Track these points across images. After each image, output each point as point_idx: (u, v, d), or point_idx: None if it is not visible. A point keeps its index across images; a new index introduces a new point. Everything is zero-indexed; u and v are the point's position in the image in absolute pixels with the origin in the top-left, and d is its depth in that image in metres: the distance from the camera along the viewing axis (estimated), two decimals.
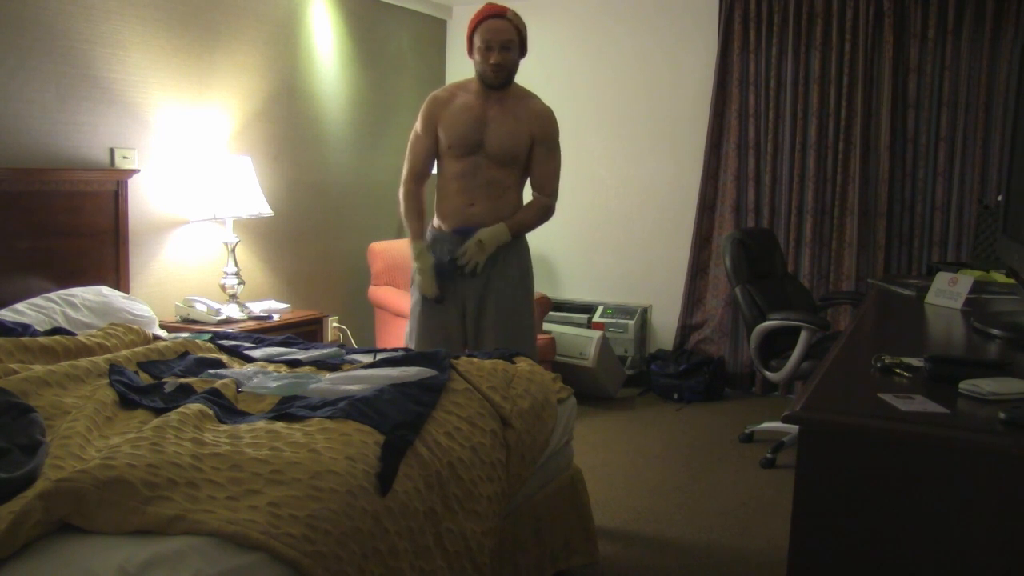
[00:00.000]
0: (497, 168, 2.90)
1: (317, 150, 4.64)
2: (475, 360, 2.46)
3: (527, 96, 2.97)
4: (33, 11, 3.19)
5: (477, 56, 2.87)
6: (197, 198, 3.82)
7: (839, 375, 1.60)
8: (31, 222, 3.16)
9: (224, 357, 2.60)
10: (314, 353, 2.67)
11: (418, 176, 3.03)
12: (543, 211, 3.03)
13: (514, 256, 2.99)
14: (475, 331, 2.96)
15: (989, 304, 2.41)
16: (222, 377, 2.30)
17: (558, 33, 5.34)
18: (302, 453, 1.70)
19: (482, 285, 2.93)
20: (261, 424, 1.89)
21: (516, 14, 2.88)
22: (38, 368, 2.19)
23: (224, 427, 1.87)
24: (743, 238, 4.00)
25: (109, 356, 2.39)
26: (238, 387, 2.22)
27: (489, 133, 2.88)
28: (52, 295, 3.03)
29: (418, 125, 2.99)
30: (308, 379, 2.27)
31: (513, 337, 2.91)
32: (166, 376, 2.31)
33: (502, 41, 2.81)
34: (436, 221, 3.03)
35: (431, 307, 2.96)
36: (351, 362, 2.54)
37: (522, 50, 2.91)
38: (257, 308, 3.82)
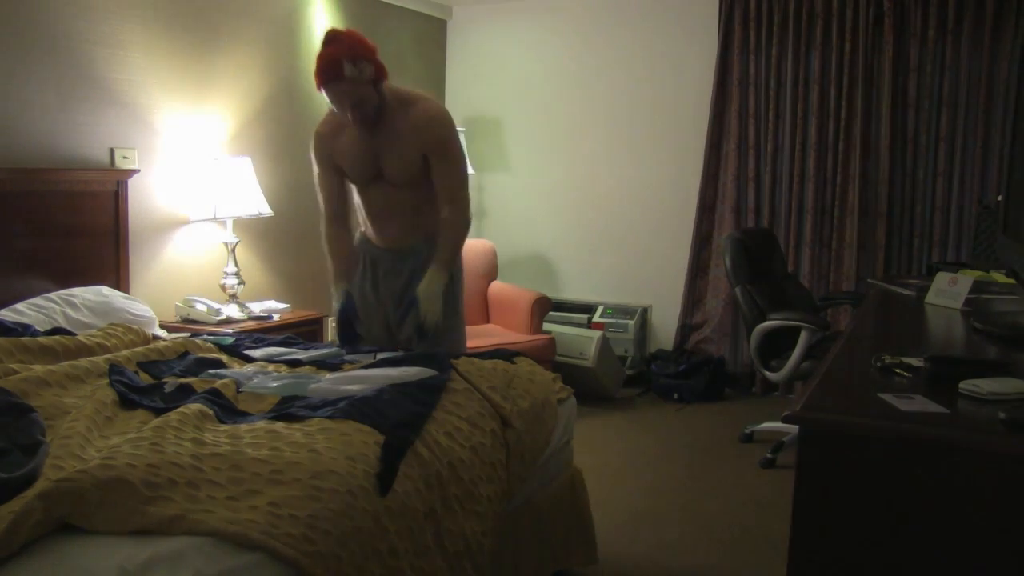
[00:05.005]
0: (403, 190, 2.75)
1: None
2: (475, 360, 2.46)
3: (409, 105, 2.70)
4: (33, 12, 3.19)
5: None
6: (197, 198, 3.81)
7: (839, 375, 1.60)
8: (31, 222, 3.16)
9: (224, 357, 2.60)
10: (314, 353, 2.67)
11: (336, 216, 2.87)
12: (455, 228, 2.75)
13: (430, 256, 2.81)
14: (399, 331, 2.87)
15: (989, 304, 2.40)
16: (222, 377, 2.30)
17: (558, 33, 5.34)
18: (302, 453, 1.70)
19: (402, 288, 2.83)
20: (261, 424, 1.89)
21: (350, 52, 2.53)
22: (38, 368, 2.19)
23: (224, 427, 1.88)
24: (743, 238, 4.00)
25: (109, 356, 2.39)
26: (238, 387, 2.22)
27: (384, 162, 2.73)
28: (52, 295, 3.03)
29: (315, 165, 2.84)
30: (308, 379, 2.28)
31: (439, 337, 2.79)
32: (166, 376, 2.31)
33: (351, 103, 2.58)
34: (363, 229, 2.93)
35: (356, 312, 2.87)
36: (351, 362, 2.54)
37: (378, 74, 2.60)
38: (257, 308, 3.82)
